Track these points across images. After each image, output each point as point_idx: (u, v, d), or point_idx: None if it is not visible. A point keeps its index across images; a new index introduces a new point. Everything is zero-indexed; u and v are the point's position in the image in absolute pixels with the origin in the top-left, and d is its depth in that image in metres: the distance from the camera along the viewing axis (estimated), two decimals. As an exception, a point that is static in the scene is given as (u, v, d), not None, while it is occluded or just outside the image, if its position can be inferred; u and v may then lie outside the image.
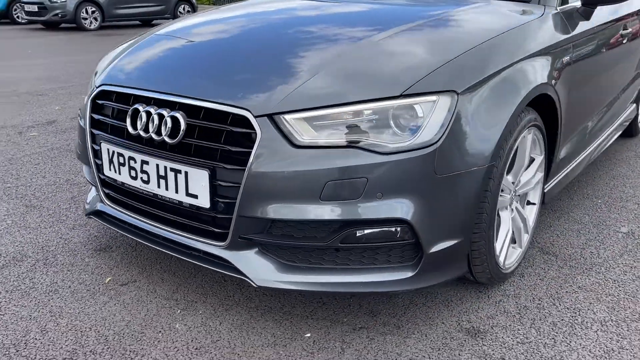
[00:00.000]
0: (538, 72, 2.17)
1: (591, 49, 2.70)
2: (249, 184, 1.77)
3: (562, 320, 2.08)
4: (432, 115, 1.79)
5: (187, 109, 1.91)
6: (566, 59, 2.44)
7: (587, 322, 2.07)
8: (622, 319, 2.09)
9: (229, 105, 1.82)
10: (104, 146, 2.12)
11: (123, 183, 2.10)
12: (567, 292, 2.26)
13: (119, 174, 2.09)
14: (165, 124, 1.91)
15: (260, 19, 2.46)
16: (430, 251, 1.84)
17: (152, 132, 1.94)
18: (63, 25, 14.84)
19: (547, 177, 2.57)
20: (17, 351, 1.87)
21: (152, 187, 1.99)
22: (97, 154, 2.20)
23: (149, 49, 2.33)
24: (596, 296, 2.24)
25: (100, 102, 2.20)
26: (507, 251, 2.25)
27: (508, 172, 2.21)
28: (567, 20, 2.53)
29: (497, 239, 2.18)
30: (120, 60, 2.33)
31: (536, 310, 2.13)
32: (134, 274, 2.35)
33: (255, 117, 1.77)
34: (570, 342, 1.95)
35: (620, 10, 3.13)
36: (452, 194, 1.84)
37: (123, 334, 1.96)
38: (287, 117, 1.76)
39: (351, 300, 2.17)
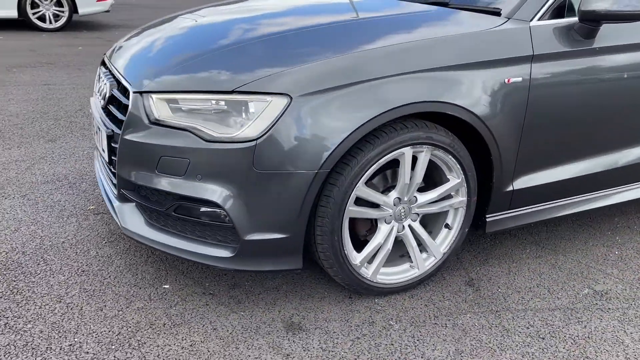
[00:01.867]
0: (437, 89, 2.06)
1: (581, 78, 2.35)
2: (121, 147, 2.14)
3: (400, 346, 2.03)
4: (262, 114, 1.92)
5: (119, 84, 2.34)
6: (517, 80, 2.21)
7: (422, 356, 1.98)
8: (455, 363, 1.95)
9: (129, 84, 2.20)
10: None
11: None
12: (440, 326, 2.16)
13: None
14: (105, 94, 2.38)
15: (201, 22, 2.64)
16: (248, 238, 1.99)
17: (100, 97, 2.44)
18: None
19: (487, 205, 2.38)
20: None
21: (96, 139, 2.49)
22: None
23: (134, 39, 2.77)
24: (465, 338, 2.09)
25: None
26: (378, 264, 2.22)
27: (388, 190, 2.19)
28: (541, 37, 2.26)
29: (367, 249, 2.18)
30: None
31: (380, 332, 2.10)
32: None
33: (133, 92, 2.12)
34: (370, 363, 1.93)
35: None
36: (272, 190, 1.95)
37: None
38: (154, 96, 2.07)
39: (228, 273, 2.41)
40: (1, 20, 8.96)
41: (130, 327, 2.04)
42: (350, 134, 1.94)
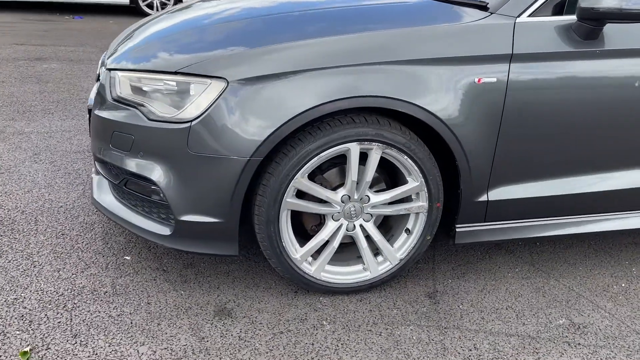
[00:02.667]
0: (386, 84, 1.94)
1: (575, 84, 2.10)
2: (92, 122, 2.26)
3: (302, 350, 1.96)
4: (200, 97, 1.93)
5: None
6: (490, 80, 2.03)
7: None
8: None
9: (105, 63, 2.30)
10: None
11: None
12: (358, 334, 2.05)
13: None
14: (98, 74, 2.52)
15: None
16: (183, 219, 2.01)
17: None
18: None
19: (457, 214, 2.22)
20: None
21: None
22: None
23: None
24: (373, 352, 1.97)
25: None
26: (322, 261, 2.14)
27: (338, 186, 2.12)
28: (527, 35, 2.05)
29: (309, 244, 2.12)
30: None
31: (307, 330, 2.04)
32: None
33: (105, 69, 2.23)
34: None
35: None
36: (205, 174, 1.96)
37: None
38: (119, 74, 2.15)
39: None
40: (114, 6, 9.74)
41: (74, 290, 2.15)
42: (284, 124, 1.89)
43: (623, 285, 2.42)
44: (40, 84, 4.89)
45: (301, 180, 2.00)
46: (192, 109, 1.93)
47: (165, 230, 2.09)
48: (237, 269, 2.36)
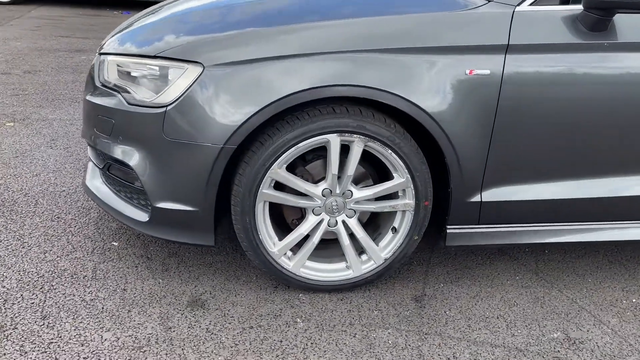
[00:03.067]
0: (367, 73, 1.84)
1: (579, 78, 1.94)
2: (83, 107, 2.27)
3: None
4: (177, 81, 1.90)
5: None
6: (483, 72, 1.90)
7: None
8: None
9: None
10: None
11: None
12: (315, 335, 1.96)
13: None
14: None
15: None
16: (158, 205, 1.98)
17: None
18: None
19: (447, 215, 2.10)
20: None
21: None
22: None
23: None
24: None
25: None
26: (302, 256, 2.07)
27: (322, 179, 2.03)
28: (527, 25, 1.91)
29: (288, 238, 2.05)
30: None
31: (278, 327, 1.97)
32: None
33: (97, 54, 2.23)
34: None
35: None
36: (180, 161, 1.92)
37: None
38: (109, 57, 2.14)
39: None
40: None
41: (55, 272, 2.15)
42: (257, 112, 1.83)
43: (634, 300, 2.23)
44: (74, 74, 5.02)
45: (278, 171, 1.93)
46: (169, 94, 1.90)
47: (143, 217, 2.06)
48: (221, 260, 2.31)
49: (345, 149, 1.95)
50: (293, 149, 1.90)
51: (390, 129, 1.93)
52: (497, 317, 2.08)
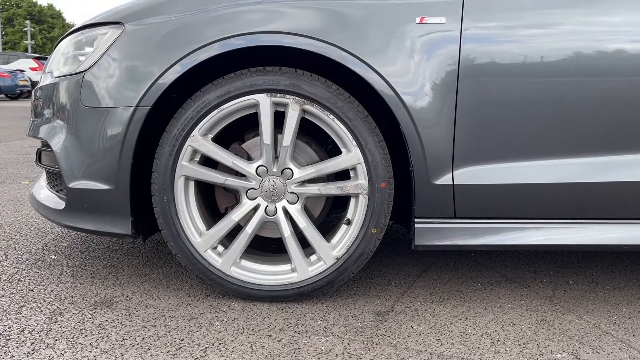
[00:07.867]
0: (294, 19, 1.60)
1: (570, 32, 1.60)
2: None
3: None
4: (99, 46, 1.75)
5: None
6: (437, 20, 1.61)
7: None
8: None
9: None
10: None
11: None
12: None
13: None
14: None
15: None
16: (72, 185, 1.74)
17: None
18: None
19: (413, 202, 1.69)
20: None
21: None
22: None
23: None
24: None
25: None
26: (233, 251, 1.70)
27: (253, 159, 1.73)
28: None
29: (216, 226, 1.71)
30: None
31: (185, 328, 1.57)
32: None
33: None
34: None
35: None
36: (95, 130, 1.70)
37: None
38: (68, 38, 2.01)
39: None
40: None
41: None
42: (171, 66, 1.62)
43: (685, 329, 1.63)
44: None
45: (199, 139, 1.66)
46: (90, 60, 1.74)
47: (60, 204, 1.82)
48: (156, 271, 1.98)
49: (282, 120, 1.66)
50: (215, 111, 1.64)
51: (331, 90, 1.63)
52: (482, 335, 1.56)
